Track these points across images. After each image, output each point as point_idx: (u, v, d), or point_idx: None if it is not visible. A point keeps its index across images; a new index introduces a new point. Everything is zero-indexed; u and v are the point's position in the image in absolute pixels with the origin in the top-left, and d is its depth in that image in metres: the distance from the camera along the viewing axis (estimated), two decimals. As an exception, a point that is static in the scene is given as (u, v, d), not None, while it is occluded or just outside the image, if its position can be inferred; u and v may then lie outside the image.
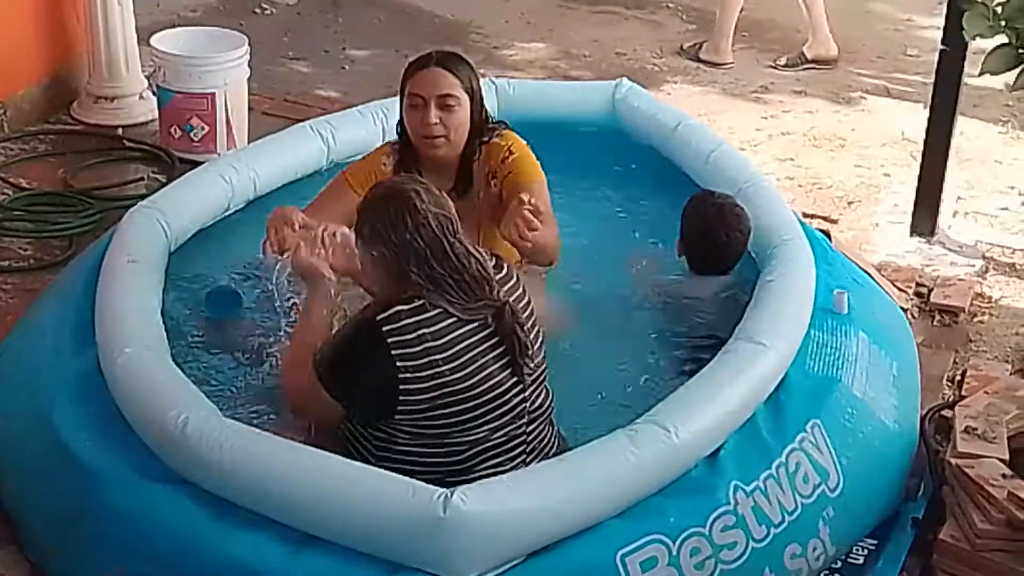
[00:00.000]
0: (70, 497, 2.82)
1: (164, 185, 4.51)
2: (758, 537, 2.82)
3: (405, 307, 2.69)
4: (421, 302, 2.70)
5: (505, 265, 2.90)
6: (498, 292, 2.77)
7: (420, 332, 2.68)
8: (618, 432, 2.79)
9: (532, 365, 2.79)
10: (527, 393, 2.81)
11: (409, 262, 2.70)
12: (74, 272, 3.55)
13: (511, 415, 2.79)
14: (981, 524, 2.96)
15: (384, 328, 2.66)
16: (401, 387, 2.67)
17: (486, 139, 3.41)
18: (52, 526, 2.87)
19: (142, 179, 4.72)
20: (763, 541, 2.82)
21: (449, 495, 2.54)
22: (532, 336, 2.82)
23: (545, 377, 2.89)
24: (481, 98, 3.40)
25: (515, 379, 2.77)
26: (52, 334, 3.24)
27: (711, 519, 2.77)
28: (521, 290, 2.87)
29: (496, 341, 2.75)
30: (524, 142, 3.47)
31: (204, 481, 2.71)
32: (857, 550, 3.04)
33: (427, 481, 2.63)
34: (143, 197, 4.42)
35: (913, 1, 6.96)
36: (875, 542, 3.07)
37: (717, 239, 3.46)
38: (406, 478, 2.63)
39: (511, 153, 3.41)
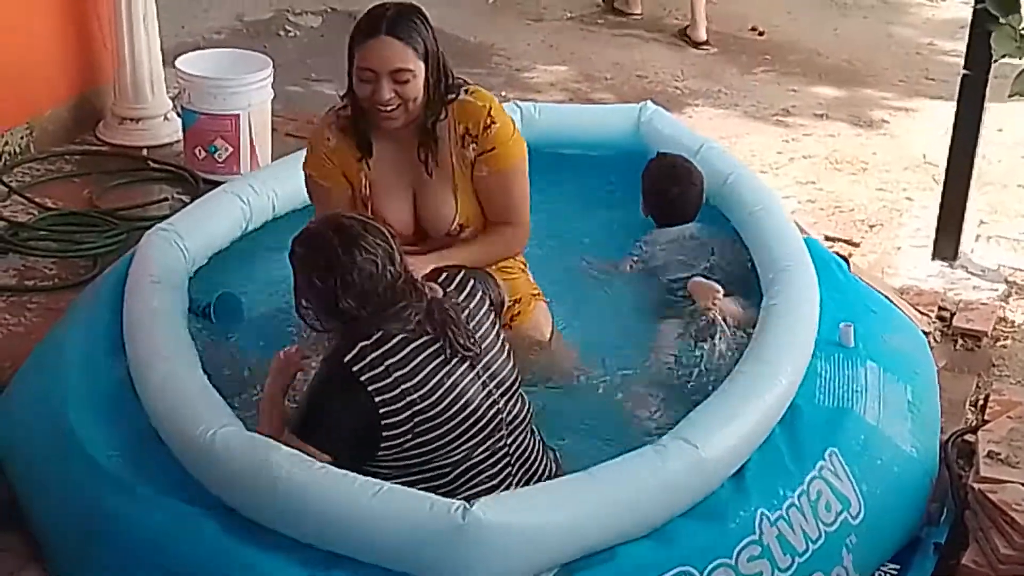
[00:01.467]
0: (92, 514, 2.83)
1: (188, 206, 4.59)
2: (783, 567, 2.81)
3: (367, 342, 2.67)
4: (380, 333, 2.68)
5: (456, 279, 2.87)
6: (424, 295, 2.74)
7: (387, 363, 2.66)
8: (645, 448, 2.79)
9: (486, 363, 2.76)
10: (501, 404, 2.80)
11: (342, 300, 2.68)
12: (95, 292, 3.58)
13: (488, 429, 2.78)
14: (1004, 549, 2.95)
15: (354, 368, 2.64)
16: (382, 422, 2.66)
17: (452, 96, 3.11)
18: (75, 543, 2.88)
19: (166, 199, 4.75)
20: (788, 570, 2.81)
21: (468, 506, 2.54)
22: (484, 336, 2.80)
23: (519, 387, 2.87)
24: (439, 57, 3.07)
25: (485, 392, 2.76)
26: (74, 353, 3.26)
27: (738, 549, 2.76)
28: (473, 298, 2.85)
29: (449, 351, 2.72)
30: (498, 103, 3.20)
31: (225, 496, 2.73)
32: (879, 575, 3.03)
33: None
34: (167, 218, 4.49)
35: (935, 25, 6.97)
36: (897, 567, 3.06)
37: (670, 193, 3.82)
38: (423, 492, 2.64)
39: (493, 122, 3.13)
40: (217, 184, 4.65)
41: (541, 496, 2.67)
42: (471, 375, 2.75)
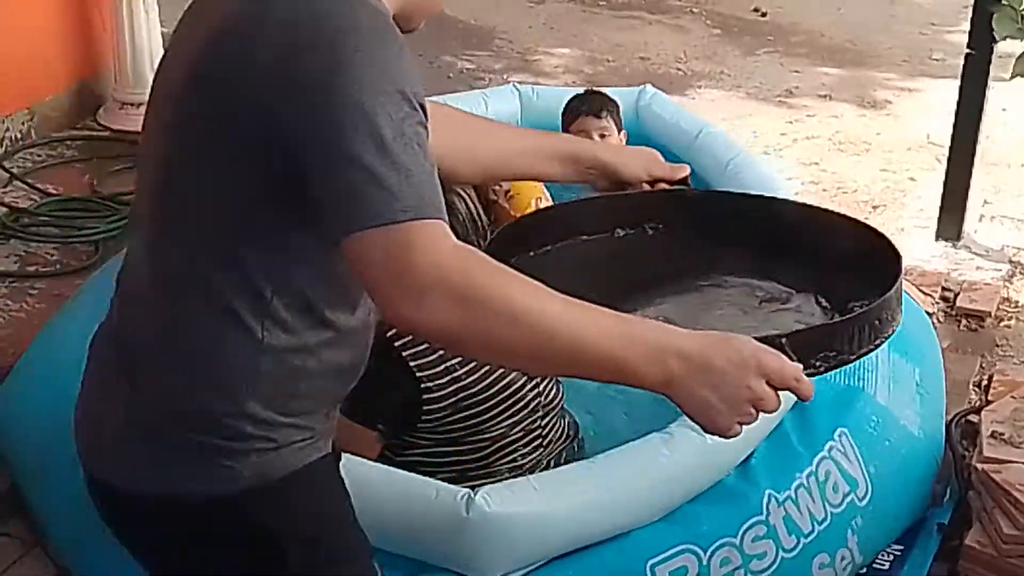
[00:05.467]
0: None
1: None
2: (788, 547, 2.80)
3: None
4: None
5: None
6: None
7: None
8: (652, 436, 2.77)
9: None
10: (541, 387, 2.82)
11: None
12: (103, 278, 3.56)
13: (527, 410, 2.79)
14: (1008, 530, 2.94)
15: (396, 343, 2.61)
16: (424, 397, 2.66)
17: None
18: (77, 528, 2.88)
19: (168, 185, 4.73)
20: (793, 551, 2.81)
21: (472, 495, 2.54)
22: None
23: None
24: None
25: (526, 375, 2.77)
26: (78, 339, 3.24)
27: (743, 529, 2.75)
28: None
29: None
30: None
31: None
32: (883, 556, 3.02)
33: (448, 477, 2.67)
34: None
35: (938, 5, 6.94)
36: (901, 547, 3.05)
37: None
38: (429, 479, 2.63)
39: None
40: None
41: (544, 485, 2.65)
42: None
